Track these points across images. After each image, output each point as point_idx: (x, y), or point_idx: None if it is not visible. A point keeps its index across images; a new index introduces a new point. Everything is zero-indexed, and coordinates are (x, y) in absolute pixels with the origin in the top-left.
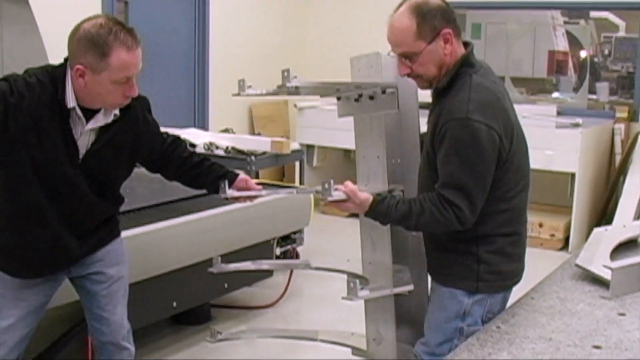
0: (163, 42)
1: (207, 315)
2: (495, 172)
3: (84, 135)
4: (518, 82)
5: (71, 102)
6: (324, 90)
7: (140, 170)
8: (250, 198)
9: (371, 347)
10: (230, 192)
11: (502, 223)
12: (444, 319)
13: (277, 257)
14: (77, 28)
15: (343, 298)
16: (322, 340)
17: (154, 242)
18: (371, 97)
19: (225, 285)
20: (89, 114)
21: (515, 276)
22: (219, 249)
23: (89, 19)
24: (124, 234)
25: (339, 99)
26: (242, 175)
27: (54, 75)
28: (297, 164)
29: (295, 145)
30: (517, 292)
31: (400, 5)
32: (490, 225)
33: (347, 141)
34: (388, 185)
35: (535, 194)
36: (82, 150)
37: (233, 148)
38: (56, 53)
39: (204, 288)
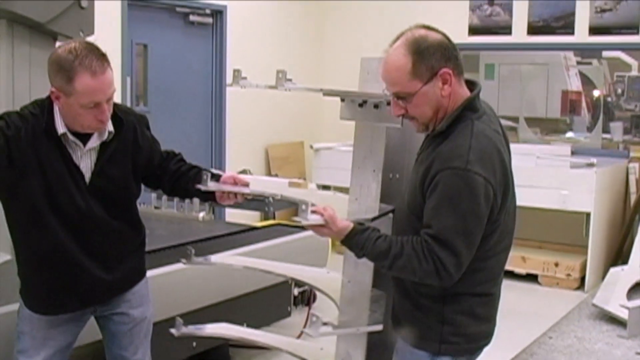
0: (180, 83)
1: (226, 355)
2: (488, 228)
3: (85, 157)
4: (532, 122)
5: (61, 128)
6: (320, 90)
7: (159, 211)
8: (234, 195)
9: None
10: (212, 185)
11: (475, 283)
12: None
13: (295, 298)
14: (53, 52)
15: (303, 331)
16: (289, 352)
17: (173, 282)
18: (376, 106)
19: (245, 325)
20: (85, 136)
21: (483, 338)
22: (238, 289)
23: (64, 44)
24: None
25: (342, 100)
26: (229, 173)
27: (43, 106)
28: None
29: (313, 187)
30: (534, 331)
31: (397, 39)
32: (461, 284)
33: None
34: (380, 202)
35: (550, 233)
36: (87, 174)
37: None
38: None
39: None
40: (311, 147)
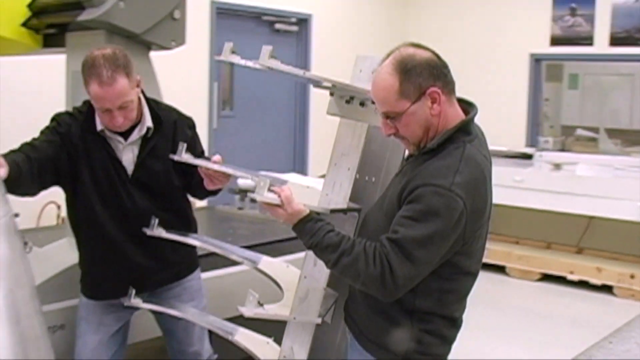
0: (265, 89)
1: None
2: (450, 253)
3: (127, 151)
4: (614, 133)
5: (99, 125)
6: (315, 79)
7: (242, 212)
8: (218, 179)
9: None
10: (186, 157)
11: (443, 304)
12: None
13: None
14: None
15: (239, 306)
16: (236, 342)
17: (253, 280)
18: (362, 104)
19: None
20: (127, 132)
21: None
22: None
23: (95, 49)
24: (225, 271)
25: (332, 94)
26: (218, 156)
27: (90, 104)
28: None
29: (294, 176)
30: (595, 336)
31: (386, 58)
32: (430, 302)
33: None
34: (348, 201)
35: (626, 245)
36: (130, 167)
37: None
38: (168, 102)
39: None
40: None
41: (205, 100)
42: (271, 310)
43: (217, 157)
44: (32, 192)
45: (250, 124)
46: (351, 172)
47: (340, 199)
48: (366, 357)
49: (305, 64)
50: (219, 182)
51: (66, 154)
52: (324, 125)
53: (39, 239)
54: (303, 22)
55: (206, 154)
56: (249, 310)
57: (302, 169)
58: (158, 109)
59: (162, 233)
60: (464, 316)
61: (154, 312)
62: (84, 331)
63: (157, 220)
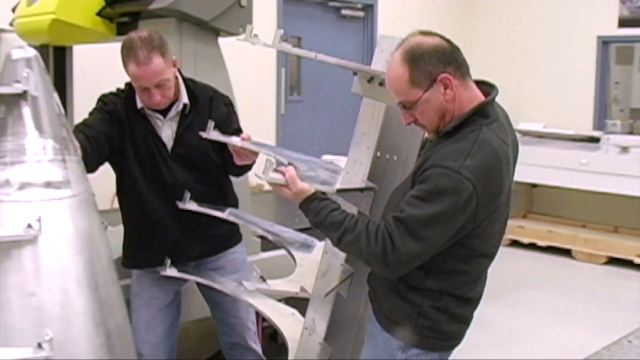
0: (332, 74)
1: None
2: (460, 234)
3: (166, 127)
4: None
5: (139, 103)
6: (325, 61)
7: None
8: (246, 155)
9: (303, 335)
10: (214, 134)
11: (455, 285)
12: None
13: None
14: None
15: (243, 282)
16: (260, 311)
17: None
18: (381, 84)
19: None
20: (165, 110)
21: (456, 338)
22: None
23: (134, 32)
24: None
25: (355, 74)
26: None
27: (130, 85)
28: None
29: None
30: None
31: (397, 48)
32: (442, 283)
33: (533, 175)
34: (367, 180)
35: None
36: (170, 142)
37: None
38: (236, 88)
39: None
40: None
41: (273, 86)
42: (275, 286)
43: (245, 135)
44: (92, 169)
45: (317, 108)
46: (370, 151)
47: (359, 178)
48: (381, 331)
49: (370, 49)
50: (247, 159)
51: (115, 130)
52: None
53: (112, 219)
54: (369, 8)
55: (274, 137)
56: (251, 285)
57: None
58: (194, 87)
59: (194, 206)
60: (530, 299)
61: (198, 285)
62: (137, 306)
63: (189, 194)
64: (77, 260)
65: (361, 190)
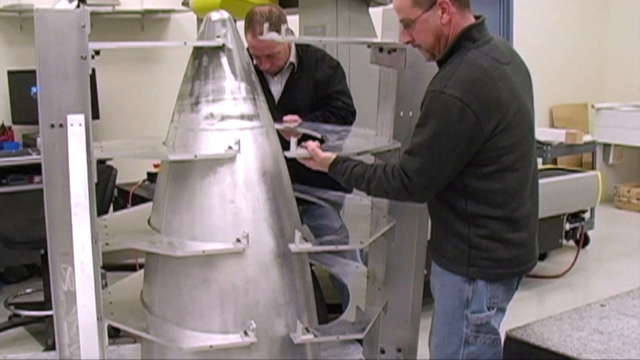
0: None
1: None
2: (474, 147)
3: (276, 84)
4: None
5: (255, 60)
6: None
7: None
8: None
9: (367, 283)
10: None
11: (494, 204)
12: (449, 307)
13: (567, 233)
14: None
15: (289, 244)
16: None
17: None
18: (389, 52)
19: None
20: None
21: (518, 264)
22: None
23: (259, 6)
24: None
25: (368, 47)
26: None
27: None
28: (592, 159)
29: (588, 137)
30: None
31: None
32: (481, 205)
33: None
34: (397, 139)
35: None
36: (277, 96)
37: None
38: None
39: None
40: (592, 106)
41: None
42: (317, 245)
43: (289, 118)
44: None
45: None
46: (391, 112)
47: (385, 139)
48: (443, 271)
49: (507, 25)
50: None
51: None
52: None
53: None
54: None
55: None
56: (295, 247)
57: None
58: (303, 51)
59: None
60: None
61: None
62: None
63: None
64: (265, 176)
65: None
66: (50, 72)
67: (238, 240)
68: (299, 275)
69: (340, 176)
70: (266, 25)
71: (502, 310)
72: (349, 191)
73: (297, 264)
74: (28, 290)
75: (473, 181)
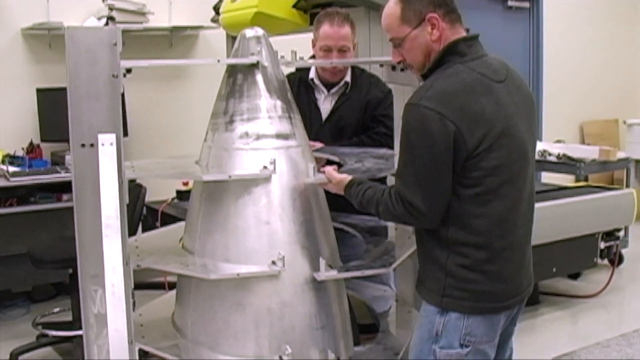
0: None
1: (536, 299)
2: (459, 167)
3: (326, 101)
4: None
5: (311, 74)
6: (331, 62)
7: None
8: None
9: (396, 306)
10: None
11: (475, 231)
12: (418, 340)
13: (601, 252)
14: None
15: (314, 273)
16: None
17: None
18: (402, 69)
19: (554, 269)
20: (330, 86)
21: (501, 299)
22: (549, 236)
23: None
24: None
25: (381, 66)
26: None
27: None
28: (625, 176)
29: (621, 154)
30: None
31: None
32: (462, 231)
33: None
34: None
35: None
36: (325, 114)
37: (564, 155)
38: None
39: (534, 270)
40: (624, 122)
41: None
42: (343, 272)
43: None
44: None
45: None
46: None
47: None
48: (420, 308)
49: (537, 38)
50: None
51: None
52: (556, 97)
53: None
54: None
55: None
56: (321, 275)
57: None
58: (359, 73)
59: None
60: None
61: None
62: None
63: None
64: (301, 197)
65: (378, 179)
66: (81, 91)
67: (273, 263)
68: (335, 299)
69: (355, 199)
70: (344, 19)
71: (481, 352)
72: None
73: (334, 287)
74: (56, 310)
75: (454, 203)
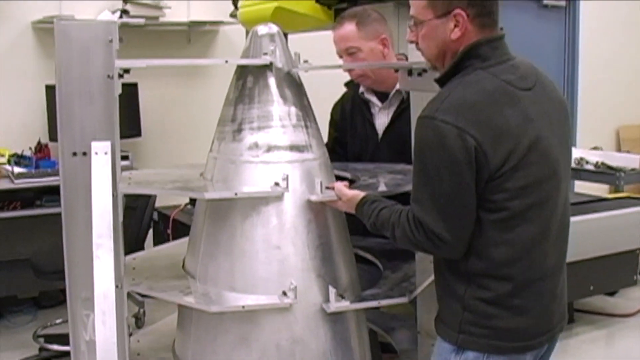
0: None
1: (571, 317)
2: (480, 189)
3: (382, 115)
4: None
5: (361, 87)
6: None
7: None
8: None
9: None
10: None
11: (497, 261)
12: None
13: None
14: None
15: (322, 304)
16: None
17: None
18: (419, 74)
19: (591, 287)
20: (383, 96)
21: (528, 337)
22: (587, 253)
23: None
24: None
25: (396, 71)
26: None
27: None
28: None
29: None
30: None
31: None
32: (482, 261)
33: None
34: None
35: None
36: (381, 130)
37: (602, 163)
38: None
39: (570, 288)
40: None
41: None
42: (354, 304)
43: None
44: None
45: None
46: None
47: None
48: (435, 344)
49: (573, 38)
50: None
51: (345, 131)
52: (593, 101)
53: None
54: None
55: None
56: (328, 307)
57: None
58: None
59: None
60: None
61: None
62: None
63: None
64: (317, 218)
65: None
66: (73, 93)
67: (284, 294)
68: (354, 332)
69: (366, 219)
70: (346, 18)
71: None
72: None
73: (353, 319)
74: (58, 321)
75: (478, 232)
